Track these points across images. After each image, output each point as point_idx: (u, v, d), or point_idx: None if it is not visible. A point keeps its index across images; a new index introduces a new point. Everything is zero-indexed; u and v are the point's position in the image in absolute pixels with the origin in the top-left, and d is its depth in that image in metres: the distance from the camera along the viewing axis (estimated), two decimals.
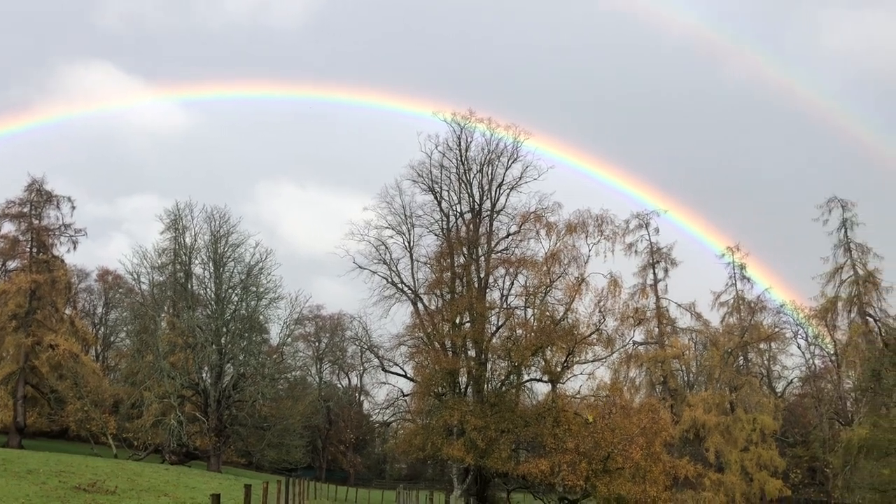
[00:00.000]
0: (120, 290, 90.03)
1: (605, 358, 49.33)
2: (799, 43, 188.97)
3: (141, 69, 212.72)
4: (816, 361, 78.90)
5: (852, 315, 67.72)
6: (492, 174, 47.16)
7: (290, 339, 70.07)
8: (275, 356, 68.49)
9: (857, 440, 55.13)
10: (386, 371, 48.39)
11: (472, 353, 44.71)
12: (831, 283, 68.77)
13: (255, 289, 63.35)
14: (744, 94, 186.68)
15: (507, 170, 47.13)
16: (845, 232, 68.50)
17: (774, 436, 67.73)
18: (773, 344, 76.44)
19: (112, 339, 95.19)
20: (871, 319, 66.65)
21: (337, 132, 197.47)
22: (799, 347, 79.53)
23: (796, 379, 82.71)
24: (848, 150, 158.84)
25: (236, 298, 63.45)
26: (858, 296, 66.99)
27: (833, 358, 72.51)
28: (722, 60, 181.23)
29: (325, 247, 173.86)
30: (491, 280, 46.39)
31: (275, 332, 70.12)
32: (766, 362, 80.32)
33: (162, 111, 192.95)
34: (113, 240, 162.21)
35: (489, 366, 44.14)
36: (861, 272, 67.47)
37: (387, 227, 47.31)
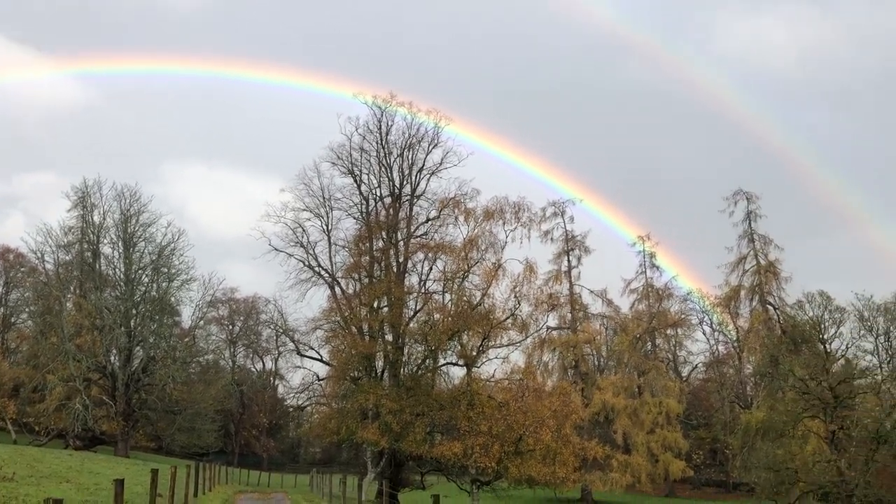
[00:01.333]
0: (22, 269, 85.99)
1: (520, 342, 50.20)
2: (699, 45, 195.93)
3: (33, 40, 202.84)
4: (720, 347, 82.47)
5: (754, 303, 70.91)
6: (412, 159, 47.11)
7: (202, 322, 68.67)
8: (186, 339, 66.98)
9: (755, 423, 57.91)
10: (301, 355, 48.00)
11: (389, 337, 44.74)
12: (735, 272, 71.81)
13: (166, 270, 61.69)
14: (655, 90, 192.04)
15: (427, 155, 47.14)
16: (749, 223, 71.59)
17: (679, 418, 70.45)
18: (679, 330, 79.36)
19: (13, 320, 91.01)
20: (771, 308, 69.91)
21: (249, 112, 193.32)
22: (704, 333, 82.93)
23: (700, 364, 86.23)
24: (750, 145, 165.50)
25: (147, 279, 61.68)
26: (760, 285, 70.13)
27: (735, 344, 75.87)
28: (634, 57, 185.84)
29: (237, 230, 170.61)
30: (410, 265, 46.45)
31: (187, 315, 68.62)
32: (672, 348, 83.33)
33: (57, 85, 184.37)
34: (10, 217, 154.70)
35: (406, 350, 44.27)
36: (763, 262, 70.63)
37: (304, 210, 46.67)
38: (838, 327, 59.01)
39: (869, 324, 61.48)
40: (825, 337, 57.89)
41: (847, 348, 61.11)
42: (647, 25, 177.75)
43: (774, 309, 69.74)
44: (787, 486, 52.92)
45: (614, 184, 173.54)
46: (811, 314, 58.33)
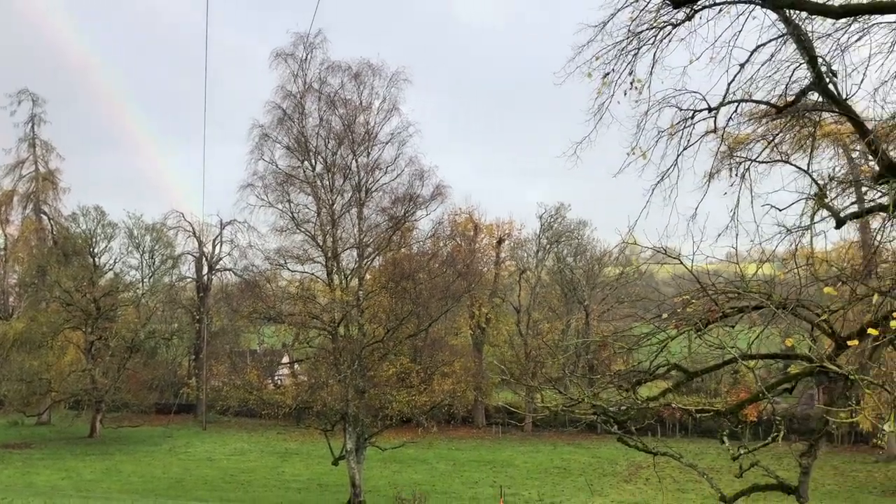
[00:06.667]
0: None
1: None
2: None
3: None
4: None
5: (27, 211, 67.47)
6: None
7: None
8: None
9: (12, 334, 55.65)
10: None
11: None
12: (11, 175, 67.02)
13: None
14: None
15: None
16: (33, 127, 67.47)
17: None
18: None
19: None
20: (45, 217, 67.60)
21: None
22: None
23: None
24: (47, 48, 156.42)
25: None
26: (36, 192, 67.06)
27: (2, 252, 71.11)
28: None
29: None
30: None
31: None
32: None
33: None
34: None
35: None
36: (43, 170, 67.62)
37: None
38: (109, 241, 60.94)
39: (137, 241, 65.15)
40: (96, 250, 59.11)
41: (115, 262, 63.69)
42: None
43: (49, 219, 67.68)
44: (38, 396, 52.70)
45: None
46: (85, 227, 58.73)
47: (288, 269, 36.58)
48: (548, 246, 64.97)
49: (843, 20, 9.22)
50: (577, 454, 48.86)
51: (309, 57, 35.15)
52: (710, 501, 30.96)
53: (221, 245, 67.72)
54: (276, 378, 54.10)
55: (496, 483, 37.26)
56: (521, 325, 62.23)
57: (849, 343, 7.43)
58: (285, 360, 52.92)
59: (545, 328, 60.36)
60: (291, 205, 35.40)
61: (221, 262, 67.40)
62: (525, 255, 66.83)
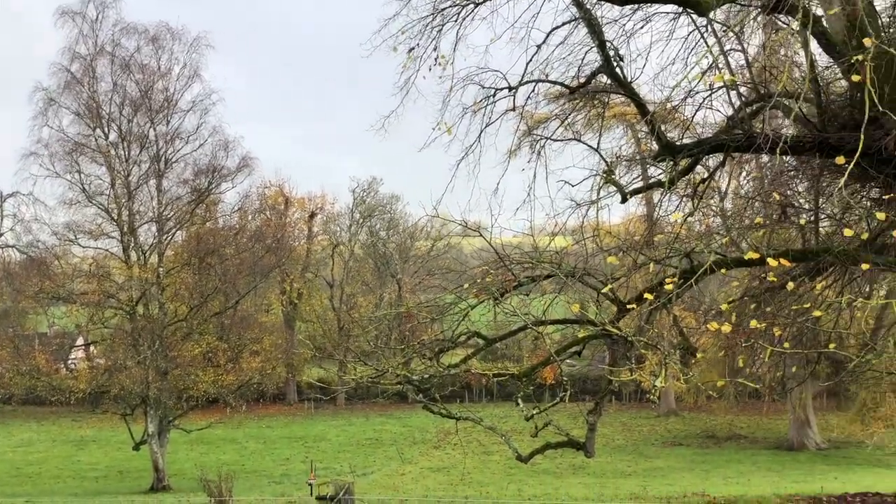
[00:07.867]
0: None
1: None
2: None
3: None
4: None
5: None
6: None
7: None
8: None
9: None
10: None
11: None
12: None
13: None
14: None
15: None
16: None
17: None
18: None
19: None
20: None
21: None
22: None
23: None
24: None
25: None
26: None
27: None
28: None
29: None
30: None
31: None
32: None
33: None
34: None
35: None
36: None
37: None
38: None
39: None
40: None
41: None
42: None
43: None
44: None
45: None
46: None
47: (79, 244, 34.10)
48: (361, 220, 65.02)
49: (629, 7, 9.88)
50: (389, 424, 49.66)
51: (101, 17, 32.68)
52: (512, 461, 32.70)
53: (2, 219, 61.71)
54: (69, 362, 50.37)
55: (308, 458, 37.04)
56: (334, 300, 61.95)
57: (628, 307, 8.10)
58: (80, 342, 49.39)
59: (359, 302, 60.53)
60: (82, 175, 32.91)
61: (2, 237, 61.45)
62: (338, 229, 66.50)
